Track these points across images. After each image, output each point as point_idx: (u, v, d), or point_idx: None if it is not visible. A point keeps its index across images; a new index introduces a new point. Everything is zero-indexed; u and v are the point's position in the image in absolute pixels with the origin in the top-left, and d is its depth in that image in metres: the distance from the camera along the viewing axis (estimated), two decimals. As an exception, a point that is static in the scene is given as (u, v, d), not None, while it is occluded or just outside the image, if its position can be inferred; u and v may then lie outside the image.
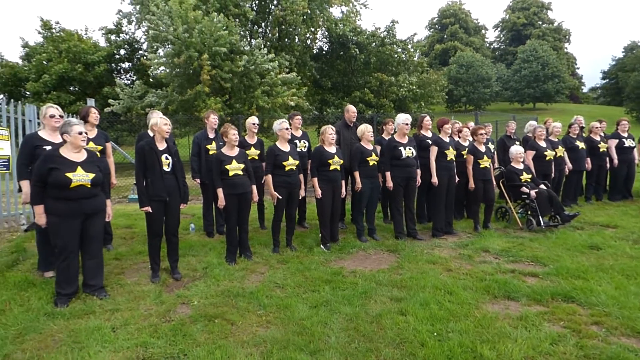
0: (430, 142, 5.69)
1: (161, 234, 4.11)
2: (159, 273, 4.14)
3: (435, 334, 2.95)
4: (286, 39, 20.21)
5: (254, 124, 5.69)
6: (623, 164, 7.64)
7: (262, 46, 15.46)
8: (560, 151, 6.99)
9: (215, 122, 5.68)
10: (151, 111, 5.00)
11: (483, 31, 59.86)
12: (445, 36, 55.48)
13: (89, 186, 3.50)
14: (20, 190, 4.07)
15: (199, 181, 5.63)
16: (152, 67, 15.00)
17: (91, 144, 4.68)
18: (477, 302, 3.50)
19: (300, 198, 5.21)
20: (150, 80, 17.65)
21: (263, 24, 20.62)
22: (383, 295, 3.67)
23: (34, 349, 2.82)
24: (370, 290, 3.74)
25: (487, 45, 60.93)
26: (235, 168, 4.50)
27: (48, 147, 3.79)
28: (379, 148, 5.91)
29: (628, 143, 7.70)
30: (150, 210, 3.93)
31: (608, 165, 7.63)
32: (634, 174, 7.90)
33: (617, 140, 7.70)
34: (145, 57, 18.78)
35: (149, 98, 14.39)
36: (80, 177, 3.44)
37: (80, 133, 3.51)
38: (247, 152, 5.33)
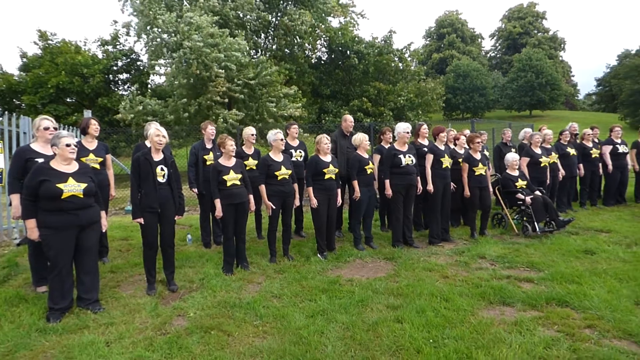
0: (426, 150, 5.75)
1: (156, 246, 4.12)
2: (155, 285, 4.14)
3: (431, 340, 2.97)
4: (286, 50, 20.49)
5: (252, 134, 5.75)
6: (616, 170, 7.72)
7: (264, 56, 15.81)
8: (554, 158, 7.06)
9: (213, 132, 5.74)
10: (149, 122, 5.05)
11: (479, 40, 60.42)
12: (442, 45, 55.98)
13: (82, 196, 3.51)
14: (10, 204, 4.05)
15: (196, 191, 5.68)
16: (162, 77, 15.20)
17: (91, 156, 4.72)
18: (473, 308, 3.53)
19: (294, 207, 5.25)
20: (149, 90, 17.69)
21: (263, 35, 20.92)
22: (380, 303, 3.69)
23: (24, 366, 2.79)
24: (367, 299, 3.76)
25: (484, 53, 61.45)
26: (232, 178, 4.54)
27: (40, 160, 3.77)
28: (377, 157, 5.97)
29: (621, 149, 7.78)
30: (143, 222, 3.94)
31: (601, 171, 7.69)
32: (627, 179, 7.96)
33: (610, 147, 7.78)
34: (146, 67, 18.91)
35: (154, 108, 14.44)
36: (72, 187, 3.45)
37: (69, 145, 3.52)
38: (245, 162, 5.38)
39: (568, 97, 54.15)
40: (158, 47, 15.04)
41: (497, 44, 61.49)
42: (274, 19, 20.23)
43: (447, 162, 5.67)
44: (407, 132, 5.50)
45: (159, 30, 14.42)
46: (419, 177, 5.60)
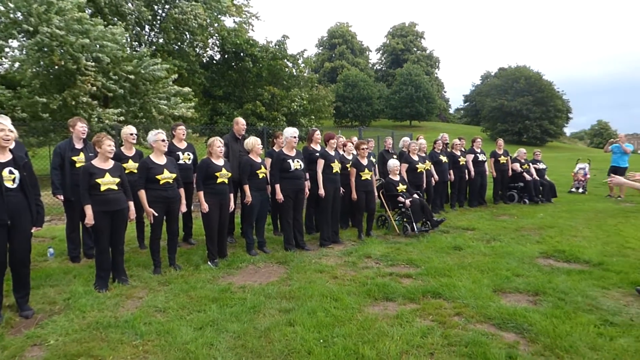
0: (318, 155, 5.91)
1: (4, 265, 3.43)
2: (1, 312, 3.45)
3: (321, 340, 3.03)
4: (174, 45, 19.28)
5: (131, 134, 5.24)
6: (477, 176, 8.91)
7: (148, 49, 14.45)
8: (428, 165, 7.86)
9: (84, 130, 5.05)
10: None
11: (367, 53, 64.87)
12: (333, 55, 58.75)
13: None
14: None
15: (61, 198, 4.95)
16: (14, 62, 12.65)
17: None
18: (360, 305, 3.69)
19: (180, 213, 4.94)
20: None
21: (148, 27, 19.37)
22: (272, 308, 3.66)
23: None
24: (259, 304, 3.70)
25: (371, 66, 66.12)
26: (108, 182, 4.07)
27: None
28: (269, 160, 5.94)
29: (481, 157, 9.00)
30: None
31: (467, 176, 8.81)
32: (486, 183, 9.27)
33: (473, 155, 8.95)
34: None
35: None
36: None
37: None
38: (125, 165, 4.93)
39: (441, 111, 61.44)
40: (6, 28, 12.56)
41: (383, 58, 66.76)
42: (160, 11, 18.87)
43: (337, 167, 5.91)
44: (295, 137, 5.59)
45: (10, 6, 12.03)
46: (307, 182, 5.72)
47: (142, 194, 4.51)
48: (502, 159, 9.25)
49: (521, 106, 44.21)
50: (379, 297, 3.91)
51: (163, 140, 4.67)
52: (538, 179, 9.59)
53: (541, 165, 10.10)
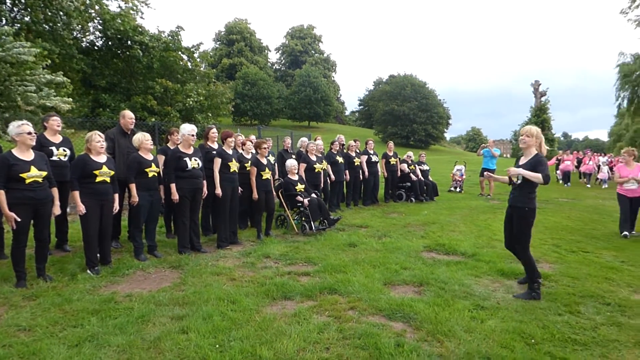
0: (215, 154, 5.70)
1: None
2: None
3: (217, 345, 2.93)
4: (45, 26, 16.80)
5: (-14, 124, 4.44)
6: (371, 176, 9.50)
7: (10, 27, 12.29)
8: (325, 165, 8.14)
9: None
10: None
11: (266, 52, 64.53)
12: (232, 51, 57.25)
13: None
14: None
15: None
16: None
17: None
18: (258, 306, 3.65)
19: (53, 216, 4.34)
20: None
21: (9, 2, 16.57)
22: (163, 316, 3.43)
23: None
24: (149, 313, 3.44)
25: (270, 65, 65.97)
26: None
27: None
28: (162, 158, 5.56)
29: (374, 158, 9.62)
30: None
31: (361, 176, 9.32)
32: (378, 183, 9.93)
33: (366, 156, 9.51)
34: None
35: None
36: None
37: None
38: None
39: (338, 113, 64.16)
40: None
41: (282, 58, 67.16)
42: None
43: (234, 166, 5.77)
44: (193, 135, 5.33)
45: None
46: (204, 181, 5.50)
47: (1, 195, 3.83)
48: (392, 160, 10.01)
49: (409, 111, 48.41)
50: (278, 296, 3.91)
51: (29, 133, 4.03)
52: (423, 179, 10.61)
53: (425, 167, 11.18)
